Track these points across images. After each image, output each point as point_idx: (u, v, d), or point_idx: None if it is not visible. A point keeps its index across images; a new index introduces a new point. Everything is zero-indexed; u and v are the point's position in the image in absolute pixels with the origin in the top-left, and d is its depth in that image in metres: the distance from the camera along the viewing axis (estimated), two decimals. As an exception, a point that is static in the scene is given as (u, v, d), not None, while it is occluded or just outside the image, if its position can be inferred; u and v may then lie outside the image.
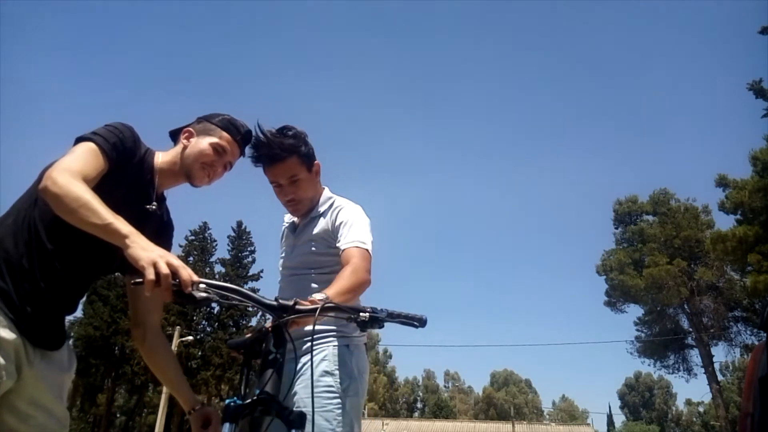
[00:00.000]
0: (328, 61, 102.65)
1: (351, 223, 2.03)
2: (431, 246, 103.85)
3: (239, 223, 32.93)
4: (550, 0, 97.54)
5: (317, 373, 1.86)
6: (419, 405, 65.70)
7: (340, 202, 2.15)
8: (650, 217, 31.39)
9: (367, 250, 1.95)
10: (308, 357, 1.85)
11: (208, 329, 30.62)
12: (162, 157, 1.78)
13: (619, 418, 64.15)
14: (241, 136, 1.85)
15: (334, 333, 1.95)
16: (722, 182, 23.94)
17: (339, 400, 1.83)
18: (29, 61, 73.04)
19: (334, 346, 1.93)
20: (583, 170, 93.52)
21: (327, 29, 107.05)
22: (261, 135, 1.99)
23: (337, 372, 1.88)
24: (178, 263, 1.27)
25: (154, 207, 1.71)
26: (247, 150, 1.97)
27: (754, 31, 19.81)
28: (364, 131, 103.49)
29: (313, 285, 2.02)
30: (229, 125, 1.83)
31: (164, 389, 18.46)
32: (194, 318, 29.60)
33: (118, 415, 40.12)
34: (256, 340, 1.47)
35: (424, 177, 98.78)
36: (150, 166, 1.73)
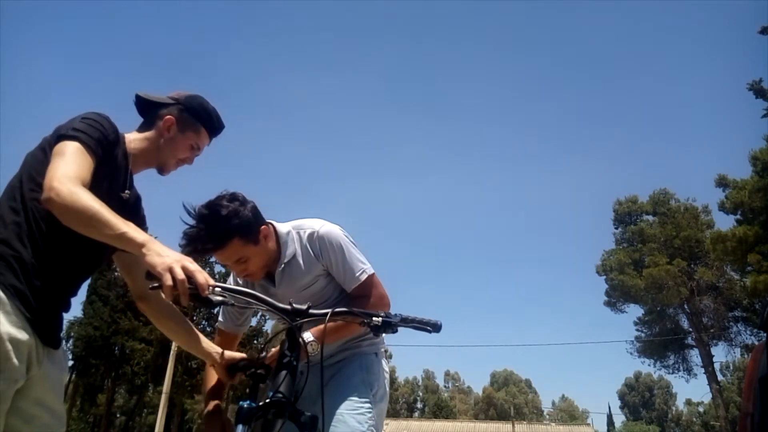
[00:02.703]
0: (329, 62, 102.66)
1: (340, 254, 1.93)
2: (431, 246, 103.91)
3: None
4: (550, 2, 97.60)
5: (352, 378, 1.95)
6: (419, 405, 65.62)
7: (304, 234, 1.96)
8: (650, 217, 31.35)
9: (370, 274, 1.96)
10: (342, 363, 1.98)
11: (209, 329, 30.60)
12: (134, 143, 1.74)
13: (619, 418, 64.20)
14: (215, 130, 1.86)
15: (365, 340, 2.04)
16: (722, 182, 23.91)
17: (370, 405, 1.90)
18: (26, 60, 73.04)
19: (366, 354, 2.02)
20: (583, 170, 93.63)
21: (329, 29, 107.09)
22: (191, 229, 1.77)
23: (368, 378, 1.97)
24: (194, 267, 1.28)
25: (127, 195, 1.71)
26: (186, 243, 1.78)
27: (754, 31, 19.76)
28: (365, 132, 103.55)
29: None
30: (208, 119, 1.82)
31: (164, 389, 18.48)
32: (194, 318, 29.58)
33: (118, 415, 40.10)
34: (259, 365, 1.56)
35: (423, 178, 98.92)
36: (125, 152, 1.70)
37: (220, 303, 1.31)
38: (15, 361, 1.38)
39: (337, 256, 1.93)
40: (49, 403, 1.52)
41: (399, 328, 2.13)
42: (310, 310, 1.42)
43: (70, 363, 30.09)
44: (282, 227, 1.98)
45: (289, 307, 1.41)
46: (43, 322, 1.48)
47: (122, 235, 1.35)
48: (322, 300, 1.97)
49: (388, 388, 2.06)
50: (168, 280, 1.25)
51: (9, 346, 1.37)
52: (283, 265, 1.94)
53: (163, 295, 1.29)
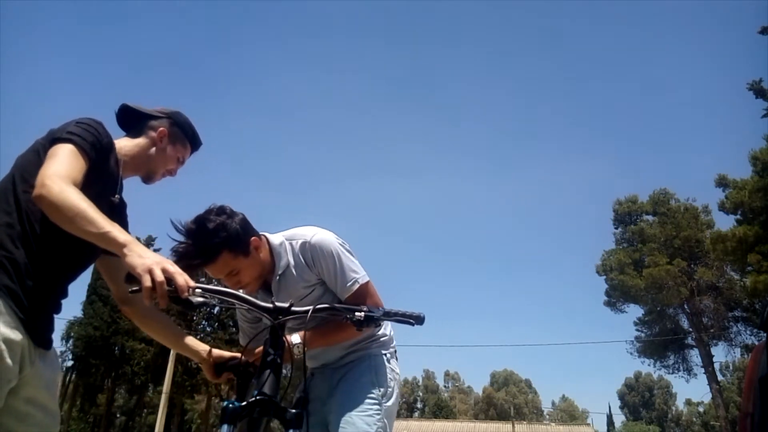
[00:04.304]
0: (329, 61, 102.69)
1: (332, 263, 1.90)
2: (431, 246, 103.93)
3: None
4: (551, 2, 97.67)
5: (360, 379, 1.96)
6: (419, 405, 65.73)
7: (296, 244, 1.95)
8: (650, 217, 31.32)
9: (363, 283, 1.92)
10: (352, 365, 2.00)
11: (208, 329, 30.62)
12: (125, 149, 1.77)
13: (619, 418, 64.23)
14: (196, 147, 1.96)
15: (374, 341, 2.05)
16: (722, 182, 23.92)
17: (378, 406, 1.91)
18: (27, 62, 73.09)
19: (374, 355, 2.03)
20: (583, 170, 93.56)
21: (329, 29, 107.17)
22: (180, 245, 1.76)
23: (376, 379, 1.98)
24: (173, 269, 1.29)
25: (117, 199, 1.74)
26: (175, 260, 1.74)
27: (754, 31, 19.80)
28: (365, 131, 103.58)
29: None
30: (193, 137, 1.92)
31: (164, 389, 18.48)
32: (194, 318, 29.59)
33: (118, 415, 40.14)
34: (246, 364, 1.58)
35: (424, 178, 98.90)
36: (116, 158, 1.73)
37: (200, 304, 1.31)
38: (9, 361, 1.39)
39: (329, 264, 1.90)
40: (42, 401, 1.54)
41: (390, 325, 2.16)
42: (293, 308, 1.43)
43: (70, 363, 30.17)
44: (275, 238, 1.97)
45: (270, 305, 1.42)
46: (35, 323, 1.49)
47: (105, 234, 1.36)
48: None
49: (398, 389, 2.06)
50: (147, 282, 1.26)
51: (3, 347, 1.39)
52: (278, 277, 1.93)
53: (145, 301, 1.29)
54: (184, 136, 1.87)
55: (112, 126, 1.76)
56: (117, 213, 1.75)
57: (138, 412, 39.39)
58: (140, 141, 1.81)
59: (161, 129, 1.82)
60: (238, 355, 1.76)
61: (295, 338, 1.72)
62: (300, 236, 1.95)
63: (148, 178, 1.84)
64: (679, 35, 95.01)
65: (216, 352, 1.83)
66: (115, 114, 1.86)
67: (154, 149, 1.81)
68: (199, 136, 1.94)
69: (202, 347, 1.85)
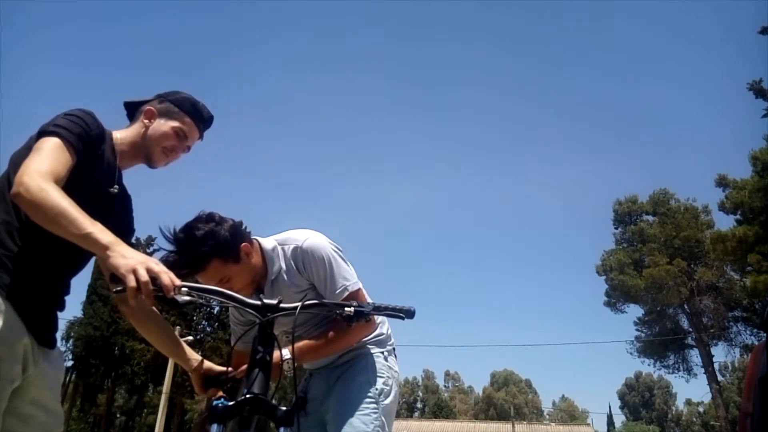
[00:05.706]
0: (327, 61, 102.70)
1: (322, 269, 1.88)
2: (431, 246, 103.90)
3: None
4: (548, 1, 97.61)
5: (357, 378, 1.96)
6: (419, 405, 65.74)
7: (288, 249, 1.93)
8: (650, 217, 31.33)
9: (353, 291, 1.89)
10: (349, 364, 1.99)
11: (208, 329, 30.64)
12: (121, 138, 1.74)
13: (619, 418, 64.24)
14: (202, 120, 1.84)
15: (371, 341, 2.05)
16: (722, 182, 23.94)
17: (375, 405, 1.91)
18: (28, 63, 73.05)
19: (371, 354, 2.03)
20: (583, 170, 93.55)
21: (329, 29, 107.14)
22: (169, 255, 1.76)
23: (373, 377, 1.97)
24: (158, 268, 1.27)
25: (116, 190, 1.69)
26: (169, 268, 1.70)
27: (754, 31, 19.85)
28: (364, 131, 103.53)
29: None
30: (192, 109, 1.81)
31: (164, 389, 18.47)
32: (194, 318, 29.63)
33: (118, 415, 40.12)
34: (235, 381, 1.60)
35: (424, 177, 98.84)
36: (111, 149, 1.69)
37: (187, 303, 1.30)
38: (11, 361, 1.38)
39: (319, 269, 1.88)
40: (46, 402, 1.52)
41: (386, 323, 2.14)
42: (281, 305, 1.42)
43: (70, 363, 30.13)
44: (267, 243, 1.94)
45: (259, 302, 1.41)
46: (38, 321, 1.48)
47: (87, 235, 1.32)
48: (313, 314, 1.91)
49: (396, 387, 2.05)
50: (131, 282, 1.23)
51: (5, 347, 1.37)
52: (270, 282, 1.92)
53: (130, 302, 1.27)
54: (178, 109, 1.79)
55: (113, 122, 1.73)
56: (117, 204, 1.71)
57: (138, 412, 39.36)
58: (134, 127, 1.77)
59: (148, 108, 1.77)
60: (228, 369, 1.76)
61: (285, 353, 1.70)
62: (292, 241, 1.93)
63: (149, 161, 1.78)
64: (679, 35, 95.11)
65: (207, 364, 1.80)
66: (126, 116, 1.84)
67: (144, 129, 1.76)
68: (202, 108, 1.84)
69: (194, 357, 1.82)
